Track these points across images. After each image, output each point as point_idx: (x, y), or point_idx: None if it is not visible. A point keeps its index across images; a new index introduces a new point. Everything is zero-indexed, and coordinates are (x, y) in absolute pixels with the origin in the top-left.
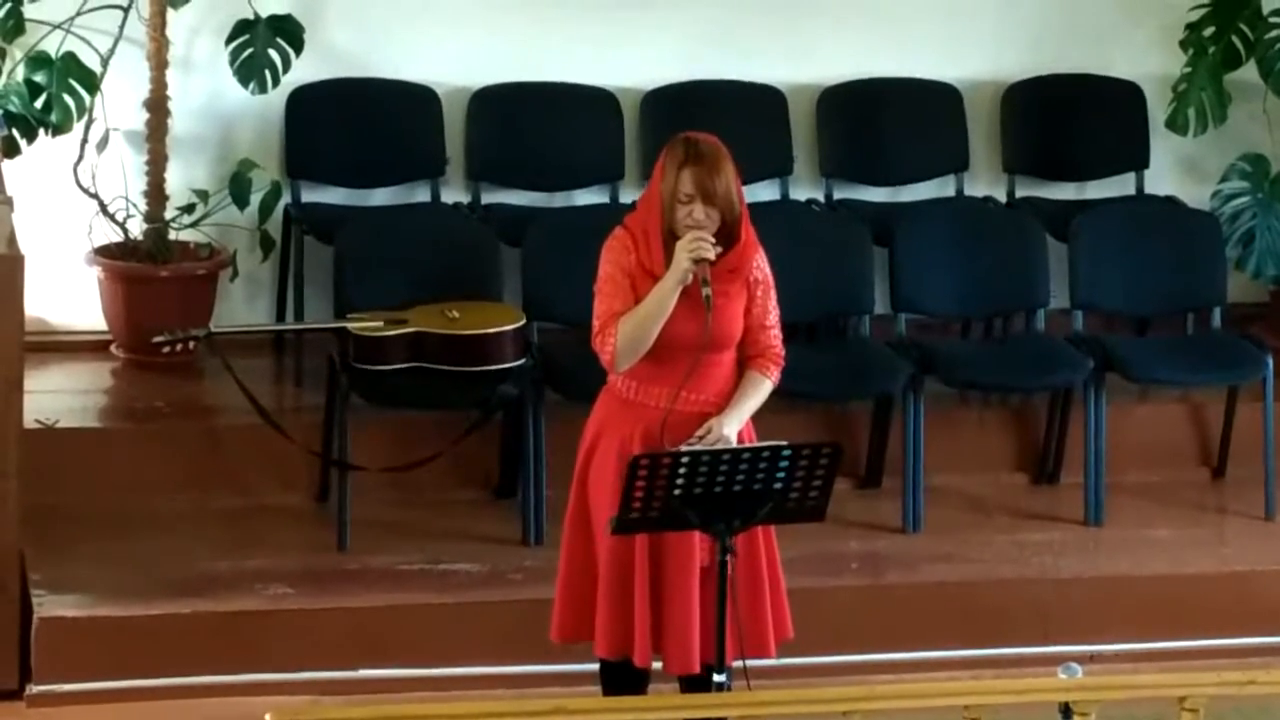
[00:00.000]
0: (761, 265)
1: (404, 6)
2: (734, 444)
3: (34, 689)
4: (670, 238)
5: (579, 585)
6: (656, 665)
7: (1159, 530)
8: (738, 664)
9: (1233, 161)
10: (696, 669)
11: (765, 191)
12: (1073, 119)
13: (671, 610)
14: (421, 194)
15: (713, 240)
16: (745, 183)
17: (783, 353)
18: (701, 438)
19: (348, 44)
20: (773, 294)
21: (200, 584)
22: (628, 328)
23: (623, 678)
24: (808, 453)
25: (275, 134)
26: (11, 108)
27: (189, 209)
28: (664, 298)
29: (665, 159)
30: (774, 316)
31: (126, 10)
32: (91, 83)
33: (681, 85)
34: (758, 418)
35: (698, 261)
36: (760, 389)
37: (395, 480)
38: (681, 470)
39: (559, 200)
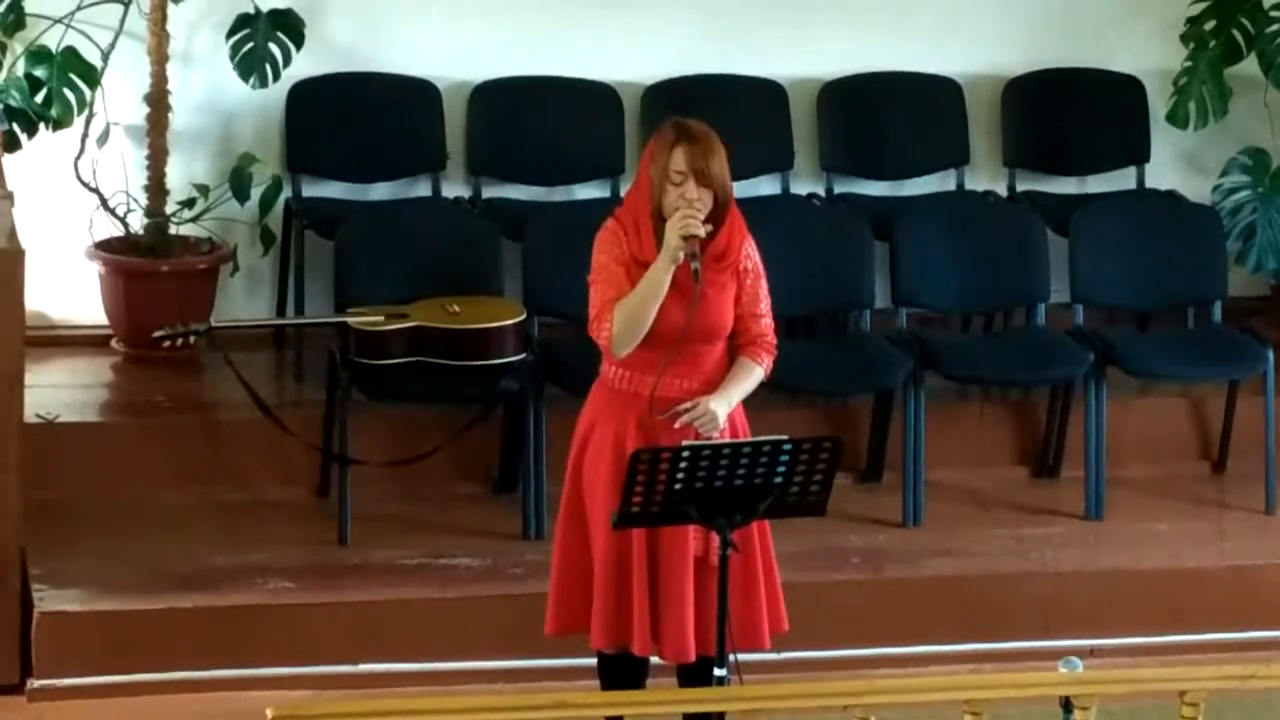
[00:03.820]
0: (751, 254)
1: (404, 1)
2: (722, 422)
3: (35, 683)
4: (660, 221)
5: (573, 578)
6: (655, 660)
7: (1159, 524)
8: (731, 656)
9: (1233, 156)
10: (692, 658)
11: (766, 185)
12: (1073, 113)
13: (667, 600)
14: (422, 188)
15: (701, 217)
16: (746, 177)
17: (774, 341)
18: (688, 409)
19: (348, 38)
20: (763, 282)
21: (201, 578)
22: (624, 311)
23: (622, 669)
24: (808, 447)
25: (276, 128)
26: (12, 102)
27: (189, 203)
28: (657, 277)
29: (655, 142)
30: (765, 305)
31: (127, 5)
32: (92, 77)
33: (682, 79)
34: (758, 412)
35: (687, 238)
36: (751, 375)
37: (396, 475)
38: (682, 465)
39: (559, 195)
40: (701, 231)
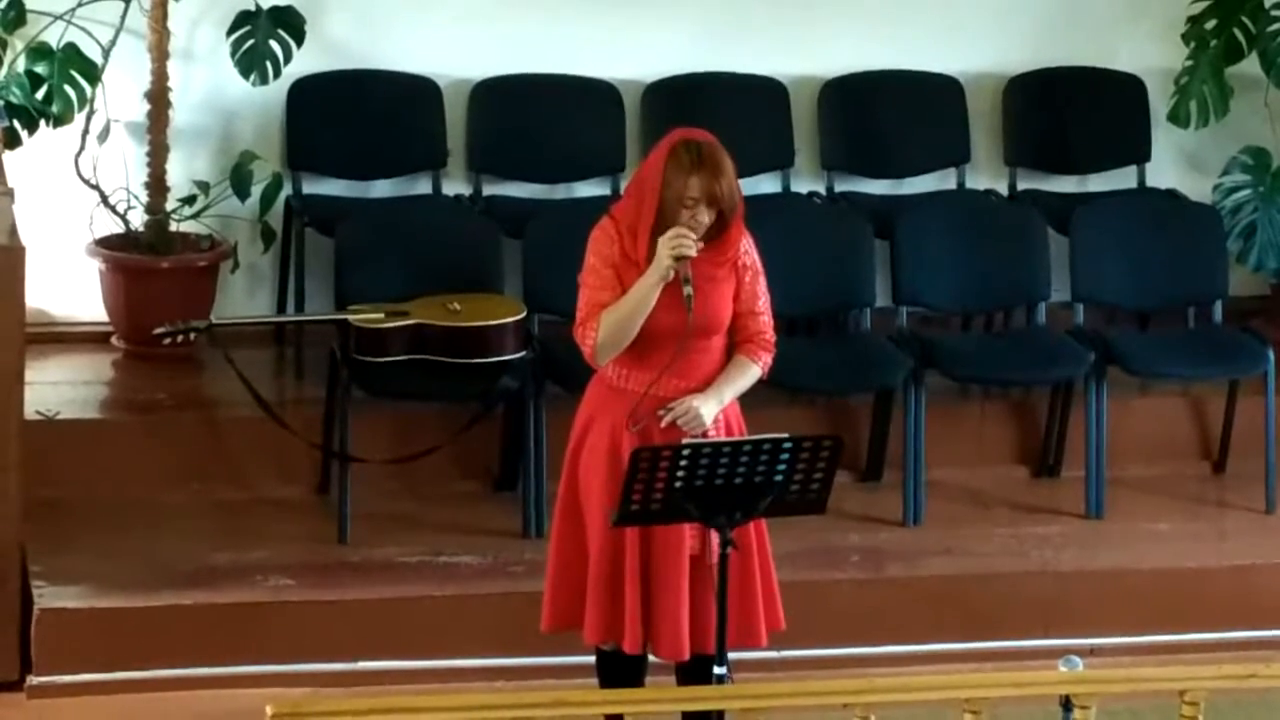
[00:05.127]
0: (749, 250)
1: None
2: (708, 421)
3: (34, 680)
4: (661, 234)
5: (570, 574)
6: (652, 659)
7: (1160, 524)
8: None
9: (1234, 155)
10: (686, 656)
11: (766, 184)
12: (1074, 112)
13: (662, 597)
14: (423, 186)
15: (694, 238)
16: (746, 175)
17: (773, 339)
18: (671, 409)
19: (349, 35)
20: (762, 279)
21: (201, 576)
22: (610, 322)
23: (620, 667)
24: (808, 445)
25: (276, 125)
26: (13, 99)
27: (190, 200)
28: (645, 293)
29: (667, 163)
30: (764, 302)
31: (128, 1)
32: (92, 74)
33: (683, 77)
34: (758, 411)
35: (679, 259)
36: (745, 373)
37: (396, 472)
38: (682, 463)
39: (560, 192)
40: (693, 252)
